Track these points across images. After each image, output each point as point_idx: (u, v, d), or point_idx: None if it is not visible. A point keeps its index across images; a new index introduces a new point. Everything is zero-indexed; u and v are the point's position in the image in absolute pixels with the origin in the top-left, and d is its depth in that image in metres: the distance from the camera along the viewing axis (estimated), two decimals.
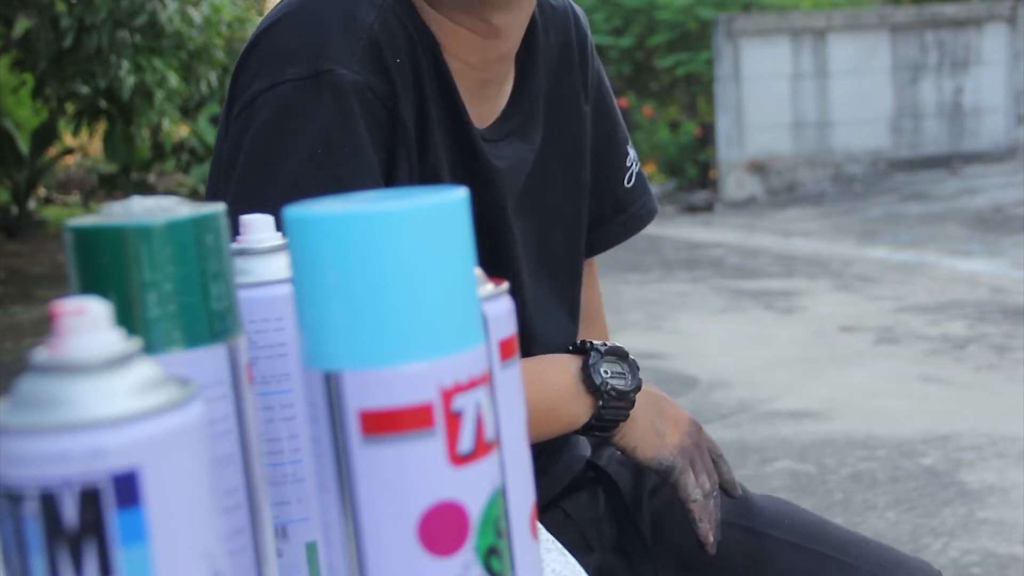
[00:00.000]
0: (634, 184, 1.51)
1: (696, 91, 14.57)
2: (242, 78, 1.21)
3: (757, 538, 1.39)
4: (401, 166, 1.20)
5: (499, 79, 1.31)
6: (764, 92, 12.61)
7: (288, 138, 1.16)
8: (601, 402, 1.27)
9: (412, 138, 1.21)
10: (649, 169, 14.01)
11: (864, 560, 1.34)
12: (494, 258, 1.26)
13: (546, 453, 1.37)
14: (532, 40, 1.34)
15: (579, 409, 1.28)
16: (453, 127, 1.25)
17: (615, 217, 1.50)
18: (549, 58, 1.37)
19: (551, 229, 1.38)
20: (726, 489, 1.38)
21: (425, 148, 1.22)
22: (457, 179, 1.25)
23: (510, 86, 1.33)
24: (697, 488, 1.34)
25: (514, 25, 1.26)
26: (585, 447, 1.48)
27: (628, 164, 1.50)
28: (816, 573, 1.35)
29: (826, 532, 1.39)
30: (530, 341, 1.30)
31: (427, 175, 1.22)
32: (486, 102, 1.30)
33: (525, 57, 1.34)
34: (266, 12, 1.29)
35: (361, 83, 1.16)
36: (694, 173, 13.52)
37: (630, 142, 1.52)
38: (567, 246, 1.41)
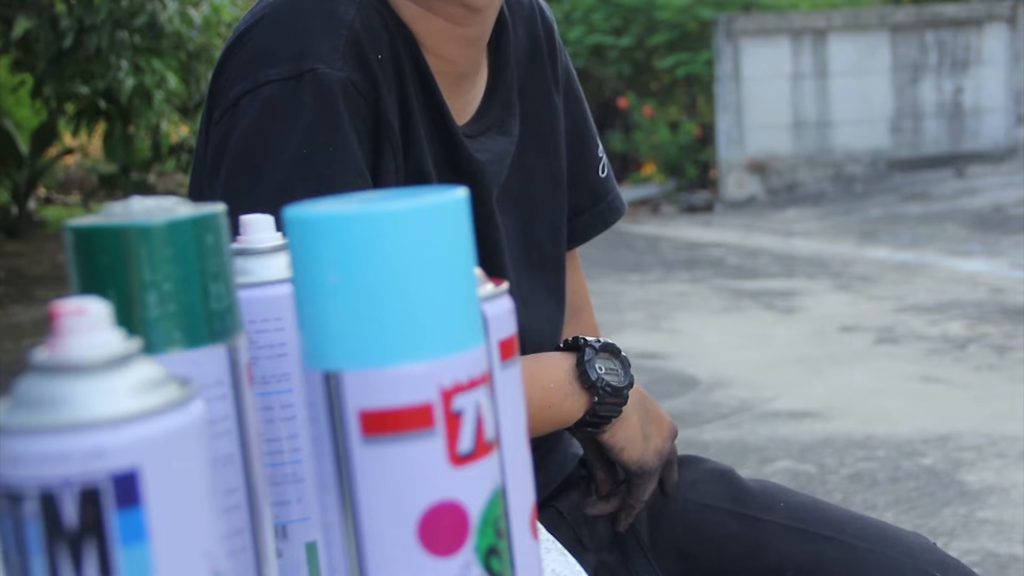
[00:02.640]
0: (607, 174, 1.53)
1: (696, 91, 14.57)
2: (223, 80, 1.21)
3: (754, 524, 1.38)
4: (387, 162, 1.20)
5: (473, 72, 1.31)
6: (764, 92, 12.62)
7: (273, 139, 1.16)
8: (597, 398, 1.28)
9: (396, 134, 1.21)
10: (649, 169, 14.01)
11: (861, 538, 1.34)
12: (481, 251, 1.26)
13: (539, 451, 1.37)
14: (502, 34, 1.34)
15: (573, 406, 1.28)
16: (435, 123, 1.26)
17: (593, 207, 1.51)
18: (519, 52, 1.38)
19: (533, 220, 1.39)
20: (662, 487, 1.41)
21: (409, 144, 1.22)
22: (442, 175, 1.25)
23: (484, 82, 1.34)
24: (650, 490, 1.37)
25: (491, 7, 1.26)
26: (577, 445, 1.48)
27: (600, 155, 1.52)
28: (815, 554, 1.34)
29: (822, 512, 1.39)
30: (520, 332, 1.31)
31: (412, 171, 1.23)
32: (462, 98, 1.31)
33: (497, 52, 1.34)
34: None
35: (345, 80, 1.16)
36: (694, 173, 13.51)
37: (597, 134, 1.54)
38: (550, 236, 1.42)
